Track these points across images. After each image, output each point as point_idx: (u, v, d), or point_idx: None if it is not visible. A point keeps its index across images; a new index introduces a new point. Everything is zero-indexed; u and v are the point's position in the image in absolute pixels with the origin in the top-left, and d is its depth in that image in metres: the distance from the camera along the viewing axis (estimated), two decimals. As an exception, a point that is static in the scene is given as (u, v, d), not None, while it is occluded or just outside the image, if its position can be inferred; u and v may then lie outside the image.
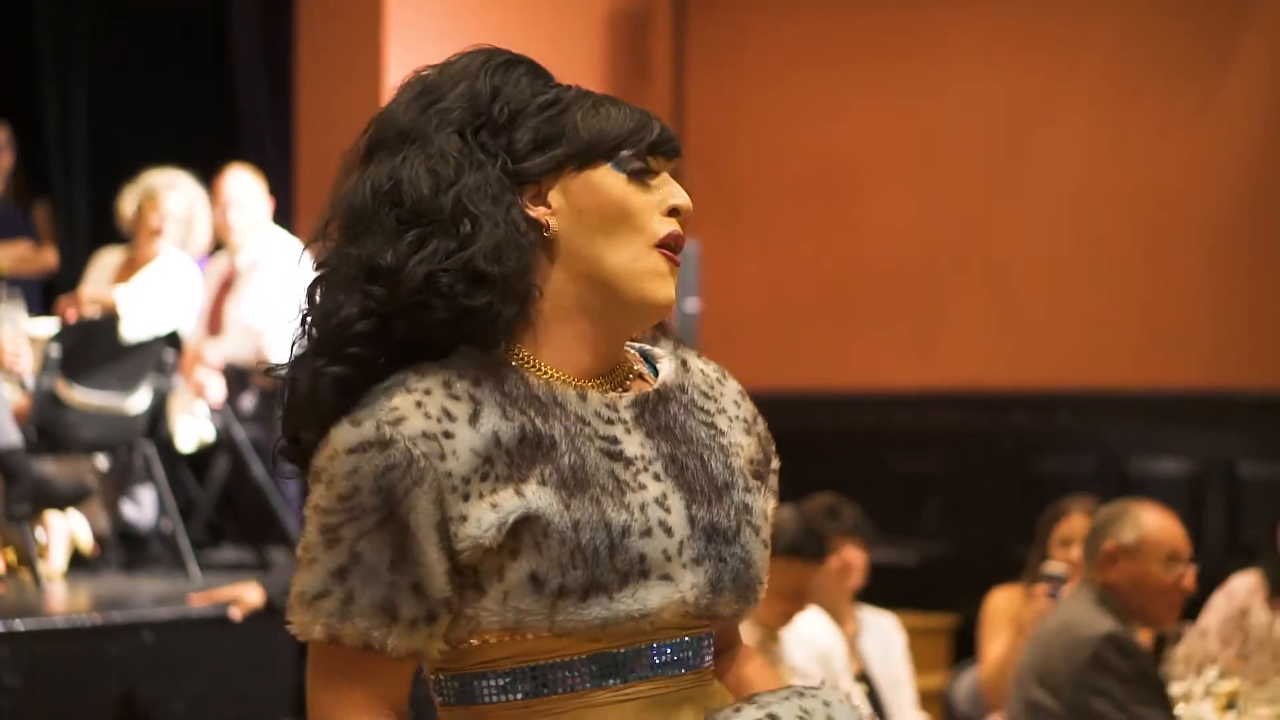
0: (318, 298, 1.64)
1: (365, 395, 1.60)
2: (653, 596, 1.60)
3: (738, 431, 1.75)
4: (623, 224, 1.66)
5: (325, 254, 1.67)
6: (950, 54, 7.15)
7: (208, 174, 6.29)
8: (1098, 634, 3.65)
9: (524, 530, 1.57)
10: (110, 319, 5.78)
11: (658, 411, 1.69)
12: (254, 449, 6.04)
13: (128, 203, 6.17)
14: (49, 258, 7.01)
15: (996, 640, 4.86)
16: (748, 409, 1.78)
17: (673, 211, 1.69)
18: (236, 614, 4.86)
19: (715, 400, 1.75)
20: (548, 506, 1.57)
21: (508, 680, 1.62)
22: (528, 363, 1.65)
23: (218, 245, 6.43)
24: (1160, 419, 6.68)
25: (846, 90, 7.35)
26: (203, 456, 6.16)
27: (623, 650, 1.62)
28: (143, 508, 6.07)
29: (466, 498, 1.57)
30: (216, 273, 6.34)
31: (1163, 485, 6.29)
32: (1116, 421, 6.75)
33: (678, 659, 1.65)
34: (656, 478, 1.64)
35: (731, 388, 1.79)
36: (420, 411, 1.58)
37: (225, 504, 6.36)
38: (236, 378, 6.08)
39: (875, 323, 7.28)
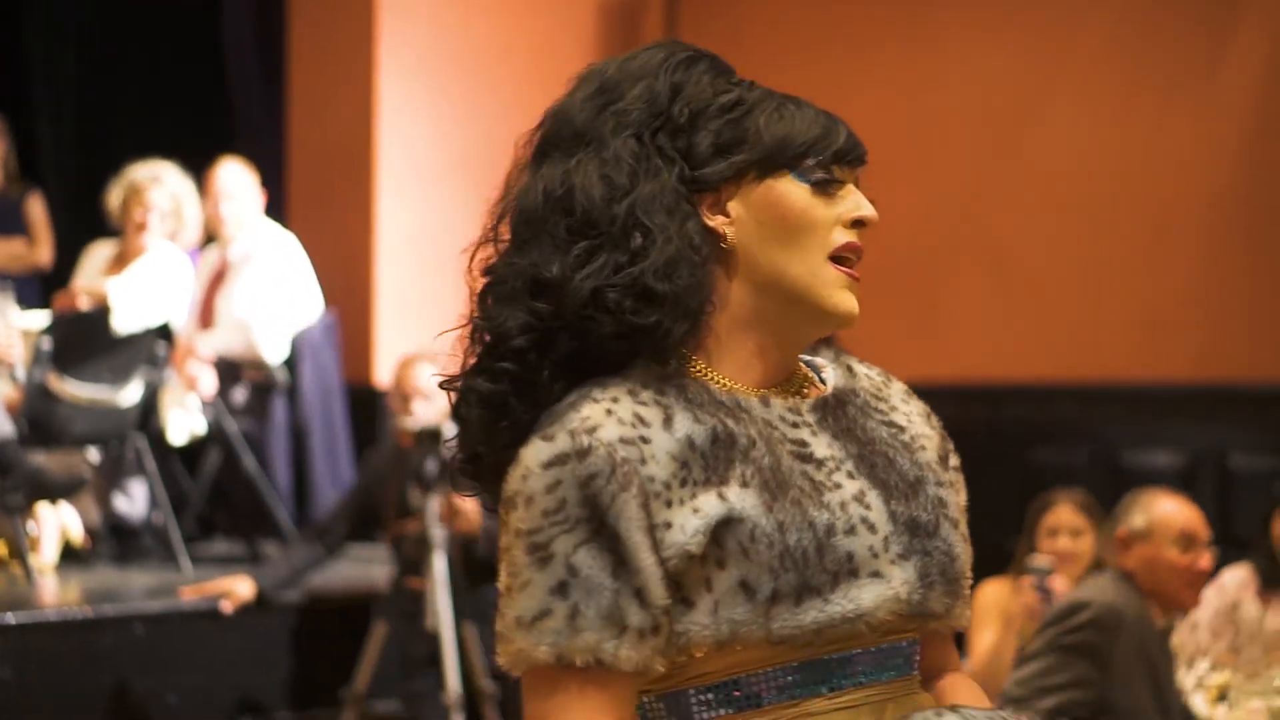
0: (488, 308, 1.58)
1: (546, 414, 1.54)
2: (866, 595, 1.54)
3: (918, 424, 1.71)
4: (802, 236, 1.62)
5: (494, 260, 1.61)
6: (948, 43, 7.13)
7: (200, 166, 6.28)
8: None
9: (728, 536, 1.51)
10: (102, 312, 5.78)
11: (838, 415, 1.65)
12: (245, 442, 6.04)
13: (114, 197, 6.16)
14: (41, 255, 6.97)
15: (985, 633, 4.85)
16: (918, 405, 1.75)
17: (855, 223, 1.65)
18: (228, 607, 4.87)
19: (885, 400, 1.72)
20: (751, 509, 1.52)
21: (718, 694, 1.55)
22: (705, 375, 1.60)
23: (209, 238, 6.43)
24: (1153, 411, 6.66)
25: (843, 80, 7.32)
26: (194, 449, 6.16)
27: (834, 656, 1.56)
28: (134, 501, 6.06)
29: (669, 504, 1.51)
30: (208, 265, 6.33)
31: (1155, 477, 6.24)
32: (1111, 413, 6.75)
33: (888, 664, 1.59)
34: (850, 476, 1.60)
35: (897, 388, 1.76)
36: (613, 419, 1.52)
37: (216, 497, 6.35)
38: (228, 371, 6.08)
39: (872, 314, 7.10)
